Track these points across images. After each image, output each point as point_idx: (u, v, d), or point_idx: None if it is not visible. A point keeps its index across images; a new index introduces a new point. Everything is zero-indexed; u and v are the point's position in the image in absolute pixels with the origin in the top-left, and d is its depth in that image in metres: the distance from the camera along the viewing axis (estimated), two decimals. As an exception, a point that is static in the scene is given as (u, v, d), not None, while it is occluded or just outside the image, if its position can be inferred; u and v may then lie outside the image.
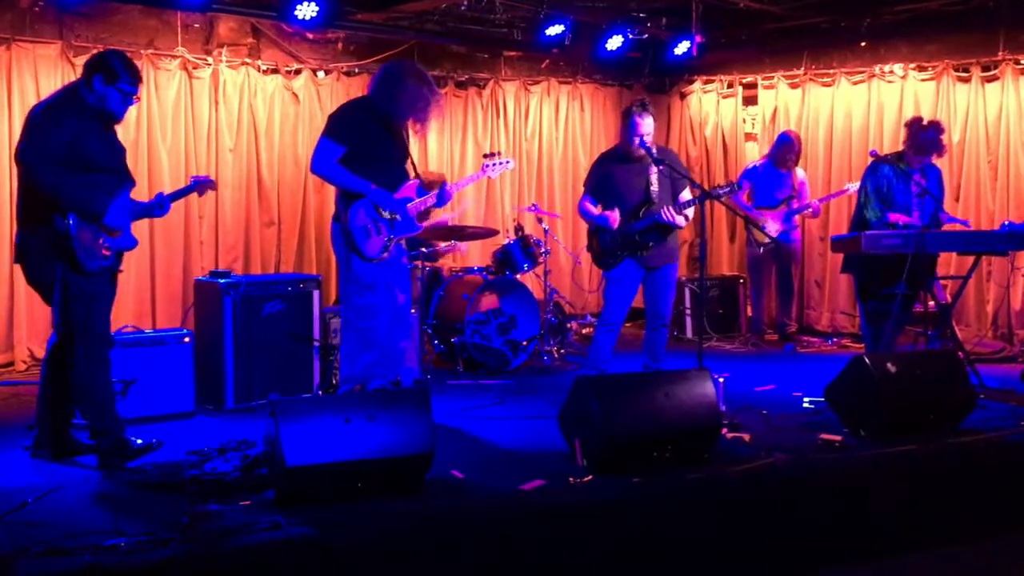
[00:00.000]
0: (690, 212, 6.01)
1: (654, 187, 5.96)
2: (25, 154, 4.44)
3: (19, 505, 3.88)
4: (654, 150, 5.91)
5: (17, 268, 6.91)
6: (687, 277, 8.95)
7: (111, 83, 4.47)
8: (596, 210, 6.10)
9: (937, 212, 6.46)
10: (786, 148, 8.28)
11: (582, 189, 6.39)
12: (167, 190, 5.26)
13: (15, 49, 7.03)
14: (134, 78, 4.57)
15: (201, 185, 5.21)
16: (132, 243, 4.75)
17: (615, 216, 5.97)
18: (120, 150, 4.71)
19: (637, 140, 5.88)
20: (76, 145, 4.39)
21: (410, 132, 5.58)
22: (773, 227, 8.23)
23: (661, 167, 5.90)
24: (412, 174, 5.46)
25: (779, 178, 8.33)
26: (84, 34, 7.30)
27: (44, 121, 4.46)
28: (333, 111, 5.47)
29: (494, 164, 5.72)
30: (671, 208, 5.88)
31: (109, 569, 3.25)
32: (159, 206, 4.89)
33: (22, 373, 6.98)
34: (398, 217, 5.29)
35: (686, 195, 6.03)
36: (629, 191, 6.02)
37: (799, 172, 8.42)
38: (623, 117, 6.03)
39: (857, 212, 6.53)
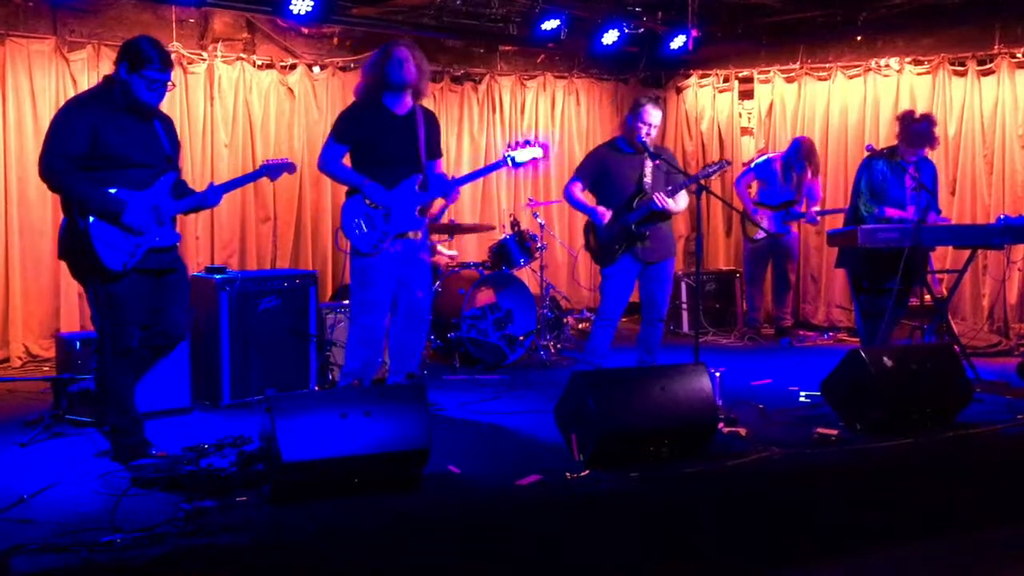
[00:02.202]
0: (682, 200, 5.99)
1: (647, 179, 5.95)
2: (41, 151, 4.30)
3: (15, 501, 3.88)
4: (651, 147, 5.92)
5: (12, 264, 7.05)
6: (683, 271, 8.95)
7: (134, 71, 4.32)
8: (584, 197, 6.04)
9: (929, 207, 6.45)
10: (795, 153, 8.22)
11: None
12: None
13: (8, 45, 7.00)
14: (161, 64, 4.36)
15: (274, 168, 4.95)
16: (170, 239, 4.51)
17: (606, 212, 5.93)
18: (157, 141, 4.48)
19: (644, 129, 5.86)
20: (95, 138, 4.24)
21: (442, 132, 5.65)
22: (766, 223, 8.23)
23: (658, 162, 5.92)
24: (420, 172, 5.41)
25: (787, 179, 8.29)
26: (78, 29, 7.29)
27: (64, 115, 4.35)
28: (343, 110, 5.60)
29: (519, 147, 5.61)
30: (662, 194, 5.85)
31: (104, 565, 3.25)
32: (208, 196, 4.66)
33: (17, 369, 6.97)
34: (390, 211, 5.28)
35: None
36: (624, 183, 5.98)
37: (809, 175, 8.33)
38: (633, 107, 5.98)
39: (851, 208, 6.53)
